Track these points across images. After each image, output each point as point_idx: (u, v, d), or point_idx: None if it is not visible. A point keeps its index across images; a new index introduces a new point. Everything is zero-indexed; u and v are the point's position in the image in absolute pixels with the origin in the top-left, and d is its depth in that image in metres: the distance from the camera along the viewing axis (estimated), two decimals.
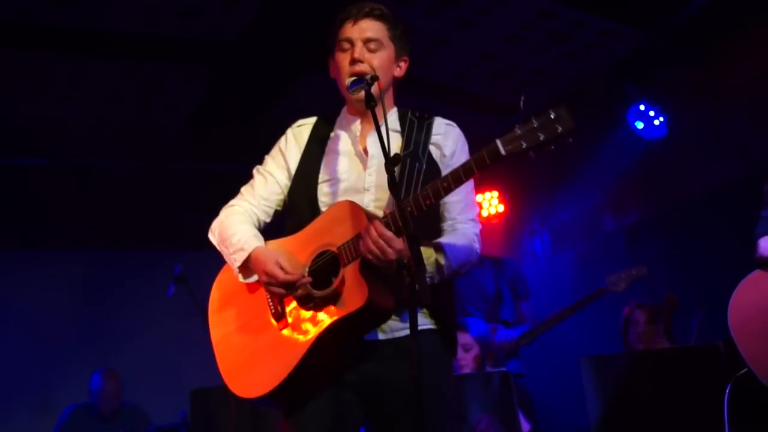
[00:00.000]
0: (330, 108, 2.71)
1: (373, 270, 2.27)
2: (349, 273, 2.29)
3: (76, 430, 5.88)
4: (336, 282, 2.31)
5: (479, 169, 2.19)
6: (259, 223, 2.63)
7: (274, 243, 2.51)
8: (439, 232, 2.52)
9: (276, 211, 2.66)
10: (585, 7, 5.01)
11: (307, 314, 2.36)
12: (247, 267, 2.47)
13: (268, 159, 2.69)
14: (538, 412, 4.97)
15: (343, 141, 2.59)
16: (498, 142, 2.16)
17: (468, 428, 3.96)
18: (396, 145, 2.49)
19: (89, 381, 5.99)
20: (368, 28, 2.52)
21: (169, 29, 5.03)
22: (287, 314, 2.40)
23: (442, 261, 2.40)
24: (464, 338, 4.65)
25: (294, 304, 2.40)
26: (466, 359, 4.65)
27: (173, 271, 5.53)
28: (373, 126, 2.27)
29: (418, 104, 2.73)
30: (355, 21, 2.52)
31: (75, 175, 6.62)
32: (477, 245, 2.52)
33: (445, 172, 2.41)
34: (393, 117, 2.60)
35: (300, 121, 2.71)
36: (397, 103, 2.67)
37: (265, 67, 5.48)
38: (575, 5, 4.98)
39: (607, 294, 4.96)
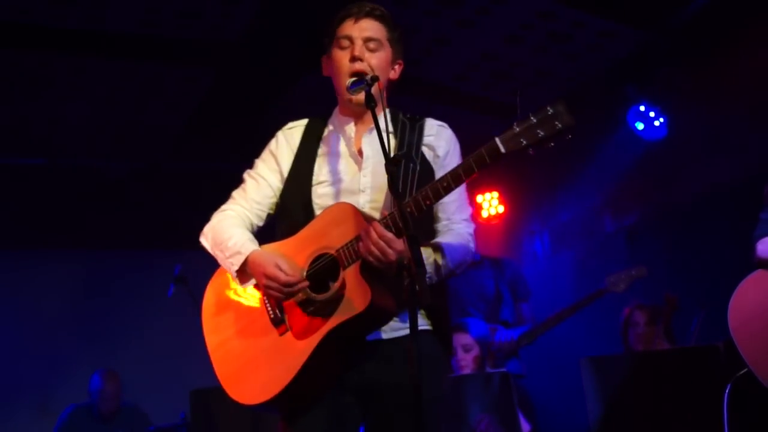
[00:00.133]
0: (330, 108, 2.69)
1: (373, 272, 2.26)
2: (350, 275, 2.27)
3: (75, 430, 5.87)
4: (337, 285, 2.29)
5: (479, 168, 2.19)
6: (253, 227, 2.60)
7: (269, 247, 2.47)
8: (433, 233, 2.52)
9: (269, 215, 2.63)
10: (585, 8, 5.01)
11: (307, 318, 2.33)
12: (244, 271, 2.43)
13: (258, 162, 2.65)
14: (538, 412, 4.97)
15: (337, 142, 2.57)
16: (497, 140, 2.16)
17: (468, 429, 3.96)
18: (390, 146, 2.48)
19: (89, 381, 5.98)
20: (369, 27, 2.51)
21: (169, 29, 5.03)
22: (287, 319, 2.37)
23: (441, 261, 2.39)
24: (464, 339, 4.64)
25: (293, 308, 2.37)
26: (466, 360, 4.64)
27: (173, 271, 5.54)
28: (367, 127, 2.27)
29: (418, 104, 2.74)
30: (356, 19, 2.52)
31: (75, 175, 6.62)
32: (472, 245, 2.52)
33: (438, 172, 2.40)
34: (387, 118, 2.60)
35: (291, 123, 2.68)
36: (394, 103, 2.66)
37: (265, 67, 5.47)
38: (575, 5, 4.98)
39: (606, 294, 4.96)
